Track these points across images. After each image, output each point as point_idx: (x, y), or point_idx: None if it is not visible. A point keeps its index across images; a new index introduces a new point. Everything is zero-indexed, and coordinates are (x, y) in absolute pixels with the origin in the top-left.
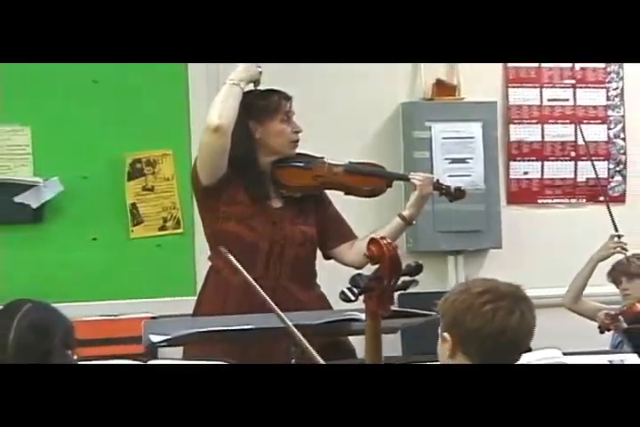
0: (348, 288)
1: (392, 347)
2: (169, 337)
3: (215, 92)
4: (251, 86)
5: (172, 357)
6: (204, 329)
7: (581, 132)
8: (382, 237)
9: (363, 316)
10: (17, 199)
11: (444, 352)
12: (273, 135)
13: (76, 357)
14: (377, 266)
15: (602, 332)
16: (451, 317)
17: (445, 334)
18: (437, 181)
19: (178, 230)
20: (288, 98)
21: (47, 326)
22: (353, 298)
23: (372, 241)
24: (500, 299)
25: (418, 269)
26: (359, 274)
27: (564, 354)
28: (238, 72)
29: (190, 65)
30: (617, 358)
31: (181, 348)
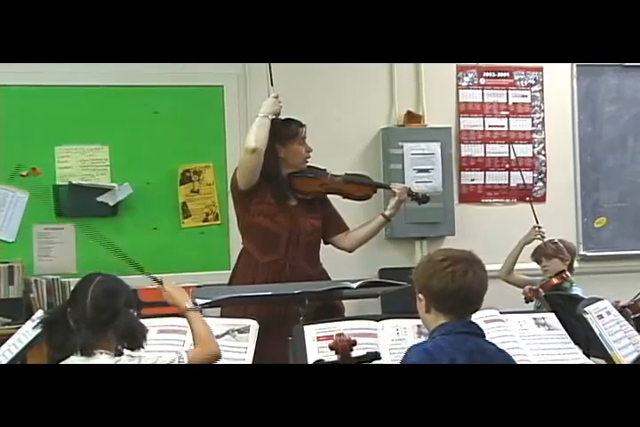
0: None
1: (374, 308)
2: (210, 300)
3: (244, 121)
4: (274, 116)
5: (213, 315)
6: (237, 295)
7: (513, 150)
8: (339, 335)
9: (353, 285)
10: (99, 199)
11: (421, 309)
12: (292, 154)
13: (136, 314)
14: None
15: (527, 302)
16: (421, 281)
17: (420, 295)
18: (410, 189)
19: (217, 222)
20: (303, 125)
21: (114, 292)
22: None
23: (335, 337)
24: (456, 263)
25: (375, 356)
26: (321, 359)
27: (501, 313)
28: (266, 107)
29: (226, 101)
30: (539, 316)
31: (219, 309)
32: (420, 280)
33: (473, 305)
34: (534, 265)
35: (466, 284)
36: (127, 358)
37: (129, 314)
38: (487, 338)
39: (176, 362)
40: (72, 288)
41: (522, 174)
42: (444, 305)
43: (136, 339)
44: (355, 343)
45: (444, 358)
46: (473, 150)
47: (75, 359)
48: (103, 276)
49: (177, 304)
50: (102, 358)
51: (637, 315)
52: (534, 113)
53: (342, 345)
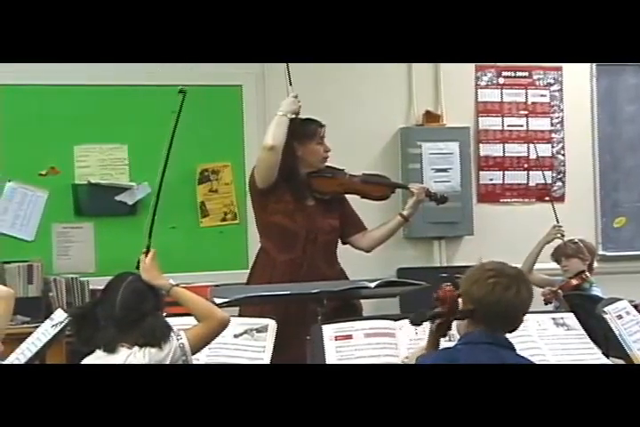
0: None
1: (393, 308)
2: (228, 300)
3: (262, 121)
4: (293, 116)
5: (231, 315)
6: (255, 294)
7: (535, 149)
8: (448, 285)
9: (371, 284)
10: (117, 198)
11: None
12: (310, 154)
13: (165, 314)
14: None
15: (546, 304)
16: (464, 286)
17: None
18: (428, 190)
19: (235, 221)
20: (322, 125)
21: (144, 293)
22: (419, 323)
23: (441, 288)
24: (501, 276)
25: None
26: (422, 312)
27: None
28: (285, 106)
29: (245, 100)
30: (558, 316)
31: (237, 308)
32: (463, 285)
33: (508, 322)
34: (554, 265)
35: (505, 298)
36: (136, 348)
37: (156, 315)
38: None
39: (174, 341)
40: (90, 287)
41: (543, 173)
42: (479, 314)
43: (156, 339)
44: (460, 295)
45: None
46: (492, 150)
47: (99, 354)
48: (135, 276)
49: (158, 284)
50: (122, 352)
51: None
52: (553, 113)
53: (452, 296)
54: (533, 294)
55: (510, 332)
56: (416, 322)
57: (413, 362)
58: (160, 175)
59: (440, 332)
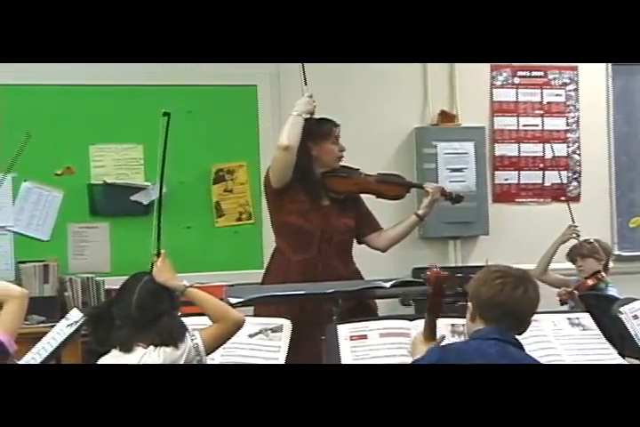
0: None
1: (408, 308)
2: (243, 299)
3: (277, 121)
4: (308, 116)
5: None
6: (270, 294)
7: (552, 149)
8: (436, 267)
9: (386, 284)
10: (132, 198)
11: (467, 317)
12: (325, 153)
13: (180, 313)
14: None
15: (562, 304)
16: (472, 289)
17: (469, 304)
18: (443, 189)
19: (250, 221)
20: (337, 125)
21: (160, 293)
22: (407, 303)
23: (429, 269)
24: (508, 276)
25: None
26: (409, 293)
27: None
28: (300, 106)
29: (260, 100)
30: (574, 316)
31: (252, 308)
32: (471, 288)
33: (517, 322)
34: (569, 265)
35: (513, 298)
36: (152, 347)
37: (172, 315)
38: (521, 339)
39: (188, 341)
40: (106, 287)
41: (559, 173)
42: (488, 315)
43: (172, 339)
44: (446, 278)
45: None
46: (507, 150)
47: (115, 353)
48: (151, 275)
49: (172, 286)
50: (137, 351)
51: None
52: (569, 112)
53: (437, 277)
54: (540, 296)
55: (519, 334)
56: (404, 302)
57: (421, 349)
58: (159, 182)
59: (432, 313)
